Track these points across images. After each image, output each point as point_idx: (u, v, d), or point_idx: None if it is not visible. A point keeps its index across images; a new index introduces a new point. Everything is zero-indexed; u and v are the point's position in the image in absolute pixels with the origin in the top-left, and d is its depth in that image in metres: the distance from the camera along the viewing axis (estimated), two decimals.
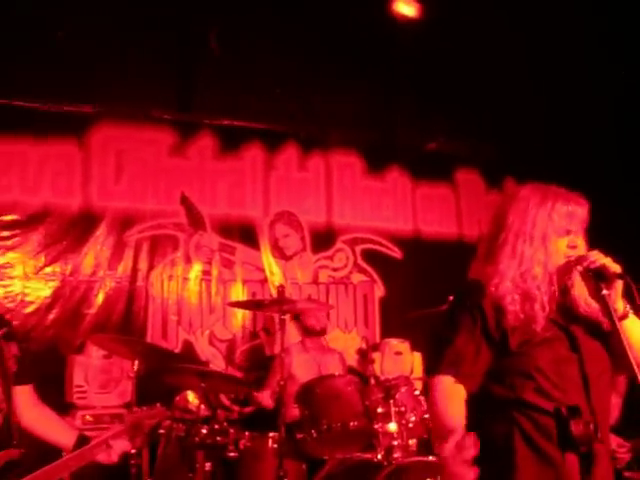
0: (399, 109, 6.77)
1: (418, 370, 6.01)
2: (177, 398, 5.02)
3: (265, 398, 5.05)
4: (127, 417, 3.14)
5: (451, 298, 2.51)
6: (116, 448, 3.00)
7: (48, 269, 5.40)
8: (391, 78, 6.63)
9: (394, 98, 6.72)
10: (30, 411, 3.10)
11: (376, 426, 4.09)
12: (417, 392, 4.55)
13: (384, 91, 6.67)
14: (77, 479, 4.63)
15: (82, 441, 3.03)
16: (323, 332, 5.45)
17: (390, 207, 6.62)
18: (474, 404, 2.17)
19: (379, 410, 4.14)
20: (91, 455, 2.98)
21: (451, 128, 6.87)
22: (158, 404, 3.34)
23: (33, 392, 3.17)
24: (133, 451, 4.40)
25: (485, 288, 2.18)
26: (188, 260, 5.82)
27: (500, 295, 2.16)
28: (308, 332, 5.36)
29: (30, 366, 3.15)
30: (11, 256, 5.32)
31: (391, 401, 4.16)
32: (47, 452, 3.52)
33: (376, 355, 5.61)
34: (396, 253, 6.59)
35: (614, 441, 3.96)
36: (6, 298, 5.24)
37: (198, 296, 5.82)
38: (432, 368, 2.15)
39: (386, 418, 4.12)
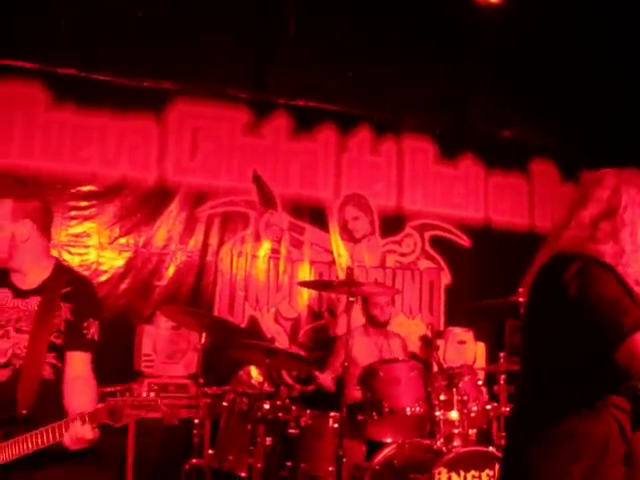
0: (475, 95, 6.68)
1: (481, 360, 5.98)
2: (240, 372, 5.12)
3: (327, 380, 5.09)
4: (105, 402, 2.64)
5: (522, 289, 2.40)
6: (72, 432, 2.61)
7: (122, 240, 5.54)
8: (468, 63, 6.54)
9: (470, 84, 6.64)
10: (70, 379, 2.92)
11: (437, 413, 4.09)
12: (480, 382, 4.53)
13: (460, 76, 6.59)
14: (141, 446, 4.84)
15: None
16: (386, 324, 5.43)
17: (461, 194, 6.56)
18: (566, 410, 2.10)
19: (441, 397, 4.14)
20: (48, 438, 2.66)
21: (528, 116, 6.76)
22: (158, 399, 2.67)
23: (82, 361, 2.94)
24: (196, 421, 4.55)
25: (609, 267, 2.07)
26: (258, 238, 5.90)
27: (627, 275, 2.08)
28: (371, 321, 5.37)
29: (81, 333, 2.97)
30: (88, 226, 5.49)
31: (454, 389, 4.16)
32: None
33: (439, 343, 5.59)
34: (465, 241, 6.53)
35: None
36: (81, 266, 5.39)
37: (266, 274, 5.90)
38: (613, 339, 1.96)
39: (448, 406, 4.12)
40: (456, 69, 6.55)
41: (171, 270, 5.64)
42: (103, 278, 5.46)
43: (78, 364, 2.95)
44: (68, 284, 3.01)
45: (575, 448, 2.03)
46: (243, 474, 4.29)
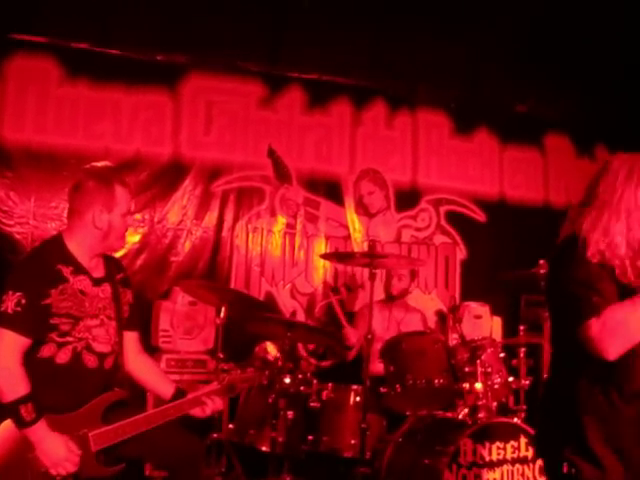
0: (490, 69, 6.60)
1: (497, 334, 5.97)
2: (257, 349, 5.10)
3: (353, 335, 5.06)
4: (225, 378, 3.24)
5: (542, 261, 2.51)
6: (210, 405, 3.13)
7: (137, 216, 5.49)
8: (483, 37, 6.45)
9: (485, 57, 6.55)
10: (134, 357, 3.23)
11: (462, 385, 4.07)
12: (502, 355, 4.51)
13: (475, 50, 6.51)
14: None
15: (179, 394, 3.16)
16: (398, 297, 5.41)
17: (476, 169, 6.52)
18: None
19: (465, 369, 4.12)
20: (187, 408, 3.11)
21: (543, 91, 6.69)
22: (251, 369, 3.53)
23: (139, 340, 3.29)
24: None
25: (582, 248, 2.23)
26: (273, 213, 5.87)
27: (615, 257, 2.23)
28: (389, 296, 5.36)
29: (139, 314, 3.29)
30: None
31: (477, 361, 4.12)
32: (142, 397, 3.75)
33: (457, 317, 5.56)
34: (480, 216, 6.50)
35: None
36: None
37: (281, 249, 5.88)
38: (584, 314, 2.15)
39: (472, 378, 4.10)
40: (470, 42, 6.47)
41: (187, 246, 5.63)
42: (119, 254, 5.40)
43: (137, 342, 3.28)
44: (119, 270, 3.12)
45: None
46: (265, 448, 4.29)
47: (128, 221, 3.19)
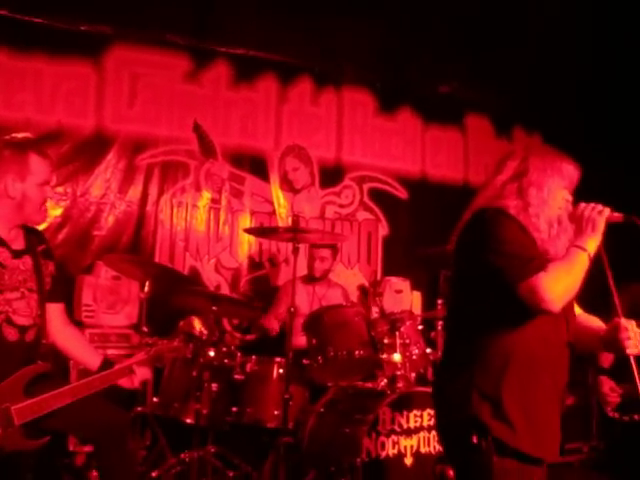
0: (414, 50, 6.72)
1: (417, 308, 6.16)
2: (181, 323, 5.11)
3: (271, 321, 5.17)
4: (152, 348, 3.33)
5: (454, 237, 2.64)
6: (139, 375, 3.20)
7: (59, 189, 5.38)
8: (409, 19, 6.57)
9: (410, 39, 6.66)
10: (61, 329, 3.25)
11: (382, 356, 4.21)
12: (420, 327, 4.67)
13: (401, 31, 6.61)
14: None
15: (106, 365, 3.20)
16: (320, 279, 5.51)
17: (399, 147, 6.66)
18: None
19: (385, 341, 4.26)
20: (115, 378, 3.14)
21: (465, 73, 6.86)
22: (177, 340, 3.63)
23: (64, 311, 3.31)
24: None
25: (511, 216, 2.37)
26: (198, 188, 5.85)
27: (531, 224, 2.40)
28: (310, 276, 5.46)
29: (63, 285, 3.29)
30: None
31: (397, 333, 4.27)
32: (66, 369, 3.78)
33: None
34: (402, 193, 6.65)
35: (606, 384, 4.13)
36: None
37: (206, 224, 5.88)
38: (531, 269, 2.24)
39: (391, 349, 4.24)
40: (397, 23, 6.56)
41: (110, 220, 5.56)
42: (40, 228, 5.31)
43: (63, 314, 3.30)
44: (40, 241, 3.10)
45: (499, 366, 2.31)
46: (189, 420, 4.34)
47: (47, 192, 3.16)
